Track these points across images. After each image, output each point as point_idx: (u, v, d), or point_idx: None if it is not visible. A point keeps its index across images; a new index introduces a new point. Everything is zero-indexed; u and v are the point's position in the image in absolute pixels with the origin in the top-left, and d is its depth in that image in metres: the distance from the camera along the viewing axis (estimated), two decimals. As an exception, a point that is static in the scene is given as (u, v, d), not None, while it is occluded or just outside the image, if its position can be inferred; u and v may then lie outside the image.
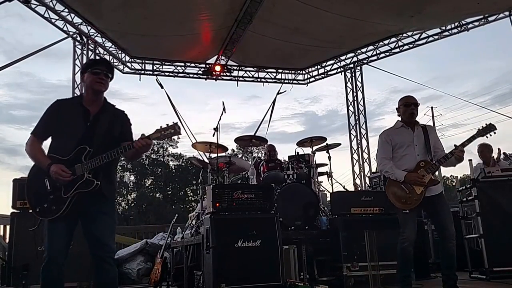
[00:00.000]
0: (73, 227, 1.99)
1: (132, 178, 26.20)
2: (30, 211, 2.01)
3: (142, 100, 39.38)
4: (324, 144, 4.74)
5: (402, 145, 2.70)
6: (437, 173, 3.26)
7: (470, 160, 4.14)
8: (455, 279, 2.59)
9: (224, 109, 3.87)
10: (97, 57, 6.44)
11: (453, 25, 6.71)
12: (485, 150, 4.47)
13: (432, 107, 21.93)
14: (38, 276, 2.90)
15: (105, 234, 1.97)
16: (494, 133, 2.58)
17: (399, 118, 2.85)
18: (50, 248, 1.92)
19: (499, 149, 4.56)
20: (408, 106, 2.74)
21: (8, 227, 3.43)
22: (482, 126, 2.60)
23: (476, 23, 6.54)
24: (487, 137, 2.59)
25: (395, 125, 2.85)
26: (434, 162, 2.64)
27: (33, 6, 5.70)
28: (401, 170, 2.65)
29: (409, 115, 2.73)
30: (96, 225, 1.96)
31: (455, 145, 2.58)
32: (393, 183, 2.67)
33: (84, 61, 6.52)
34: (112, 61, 7.28)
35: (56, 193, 1.92)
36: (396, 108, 2.84)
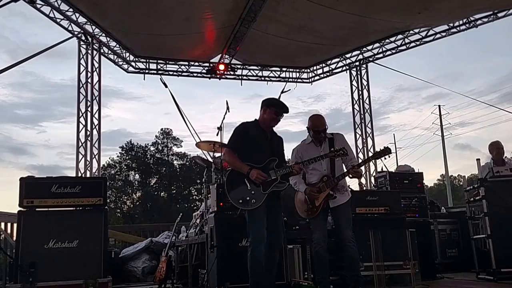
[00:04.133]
0: (265, 216, 2.53)
1: (137, 177, 26.33)
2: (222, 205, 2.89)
3: (146, 99, 39.65)
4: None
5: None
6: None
7: (478, 160, 4.07)
8: (357, 280, 2.71)
9: (227, 108, 3.84)
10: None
11: (461, 22, 6.58)
12: (497, 148, 4.34)
13: (439, 106, 21.75)
14: (45, 274, 2.95)
15: (281, 225, 2.66)
16: (389, 156, 2.74)
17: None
18: (259, 232, 2.47)
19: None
20: (316, 133, 2.87)
21: (15, 225, 3.45)
22: (380, 149, 2.78)
23: (485, 19, 6.39)
24: (381, 160, 2.80)
25: (306, 140, 2.97)
26: (334, 178, 2.79)
27: (38, 6, 5.73)
28: (312, 182, 2.85)
29: (314, 135, 2.87)
30: (275, 218, 2.57)
31: (352, 165, 2.77)
32: (299, 194, 2.91)
33: (89, 60, 6.60)
34: (116, 60, 7.33)
35: (256, 190, 2.50)
36: (307, 127, 2.95)
